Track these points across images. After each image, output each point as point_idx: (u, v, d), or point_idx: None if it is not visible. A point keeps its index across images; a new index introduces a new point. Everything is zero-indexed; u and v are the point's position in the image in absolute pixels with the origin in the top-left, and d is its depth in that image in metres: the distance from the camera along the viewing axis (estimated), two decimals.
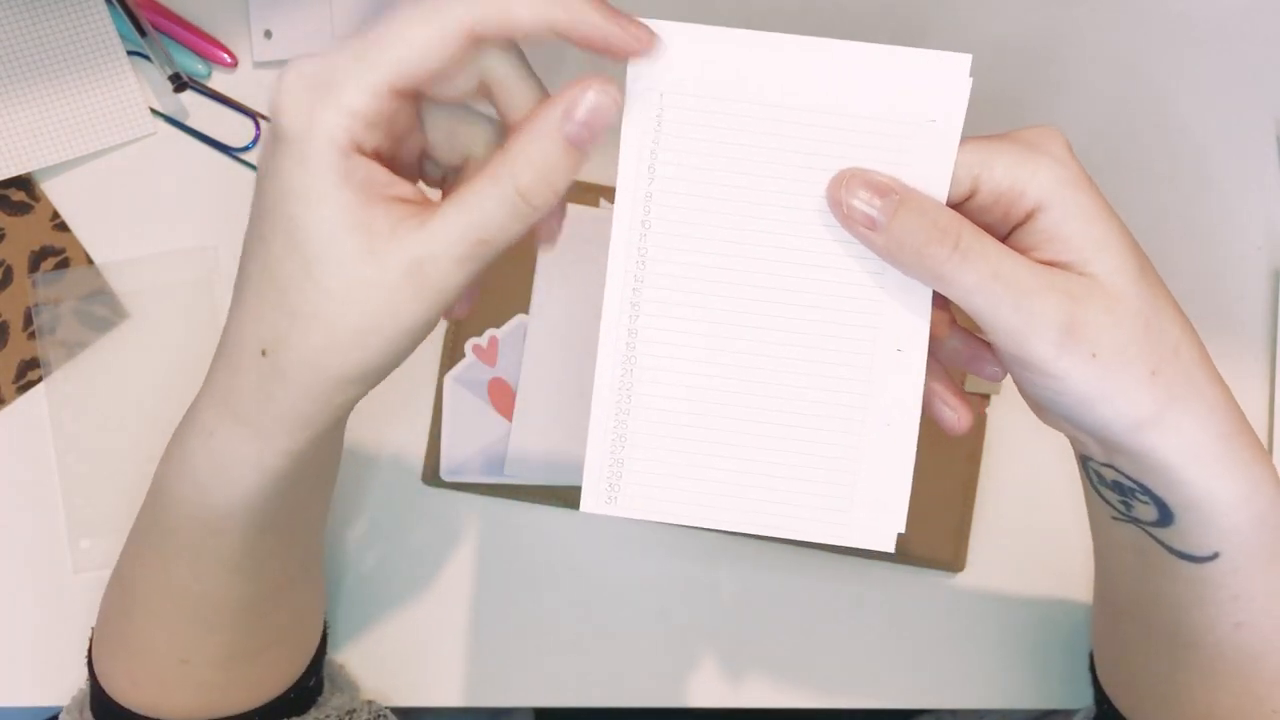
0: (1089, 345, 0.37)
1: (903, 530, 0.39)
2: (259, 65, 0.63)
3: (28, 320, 0.61)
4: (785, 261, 0.37)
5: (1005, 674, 0.61)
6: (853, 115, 0.37)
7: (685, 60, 0.36)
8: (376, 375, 0.37)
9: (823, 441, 0.38)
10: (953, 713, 0.75)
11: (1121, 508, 0.46)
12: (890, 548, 0.39)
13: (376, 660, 0.60)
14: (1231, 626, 0.47)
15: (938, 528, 0.60)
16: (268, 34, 0.63)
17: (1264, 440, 0.62)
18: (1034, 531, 0.61)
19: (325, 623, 0.56)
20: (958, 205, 0.38)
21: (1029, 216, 0.38)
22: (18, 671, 0.57)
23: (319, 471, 0.47)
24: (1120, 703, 0.54)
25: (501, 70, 0.36)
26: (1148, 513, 0.44)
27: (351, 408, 0.39)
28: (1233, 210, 0.64)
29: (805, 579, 0.61)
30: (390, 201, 0.35)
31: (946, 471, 0.60)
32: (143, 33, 0.61)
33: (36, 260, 0.62)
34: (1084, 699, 0.60)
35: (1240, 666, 0.48)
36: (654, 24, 0.36)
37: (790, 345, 0.38)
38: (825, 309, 0.38)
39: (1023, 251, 0.38)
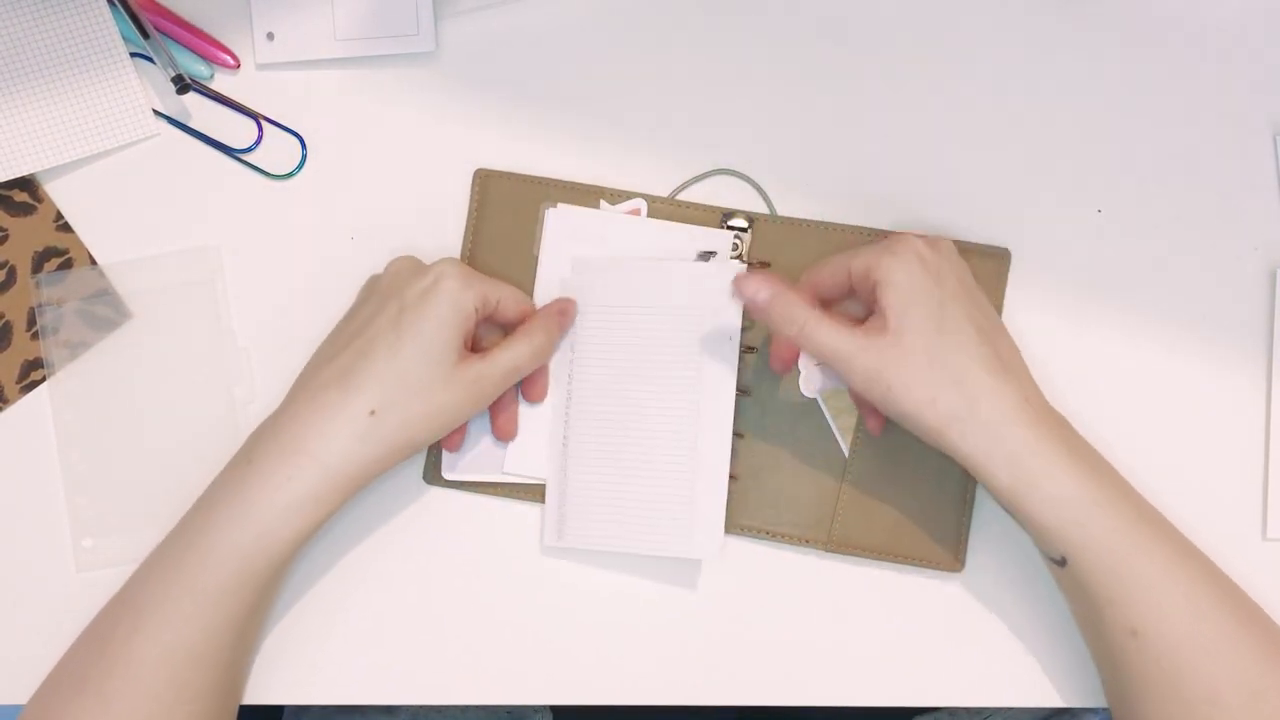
0: (885, 384, 0.54)
1: (722, 541, 0.60)
2: (261, 67, 0.64)
3: (31, 320, 0.62)
4: (647, 385, 0.60)
5: (1005, 674, 0.61)
6: (671, 294, 0.61)
7: (584, 287, 0.62)
8: (424, 447, 0.58)
9: (674, 495, 0.60)
10: (952, 712, 0.75)
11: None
12: (713, 556, 0.60)
13: (379, 658, 0.60)
14: (1128, 635, 0.52)
15: (938, 528, 0.61)
16: (270, 36, 0.63)
17: (1263, 441, 0.62)
18: None
19: None
20: (846, 286, 0.58)
21: (876, 290, 0.55)
22: (19, 670, 0.58)
23: None
24: None
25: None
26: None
27: None
28: (1231, 211, 0.64)
29: (806, 579, 0.61)
30: (466, 345, 0.58)
31: (946, 472, 0.61)
32: (145, 34, 0.61)
33: (40, 261, 0.62)
34: (1084, 699, 0.60)
35: (1165, 684, 0.52)
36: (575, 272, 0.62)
37: (652, 437, 0.60)
38: (670, 413, 0.60)
39: (870, 314, 0.56)
